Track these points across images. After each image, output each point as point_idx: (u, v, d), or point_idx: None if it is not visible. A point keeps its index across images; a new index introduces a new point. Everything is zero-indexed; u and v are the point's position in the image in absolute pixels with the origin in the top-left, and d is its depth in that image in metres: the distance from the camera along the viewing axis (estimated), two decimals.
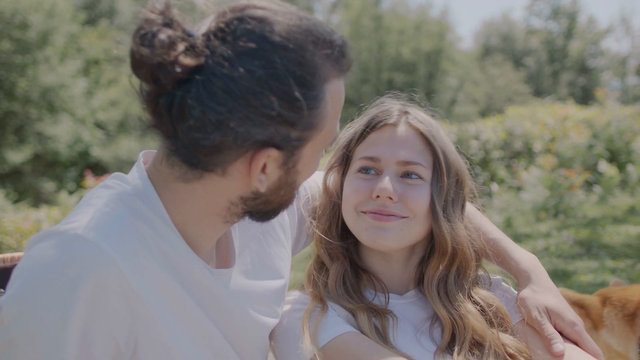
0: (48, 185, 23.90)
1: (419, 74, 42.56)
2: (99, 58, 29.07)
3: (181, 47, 1.26)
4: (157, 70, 1.26)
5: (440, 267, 1.78)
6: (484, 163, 11.32)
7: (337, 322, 1.69)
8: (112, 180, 1.47)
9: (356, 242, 1.87)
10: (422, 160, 1.75)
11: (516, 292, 1.85)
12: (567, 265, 5.48)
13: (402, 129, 1.78)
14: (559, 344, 1.66)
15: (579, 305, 2.69)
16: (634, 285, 2.57)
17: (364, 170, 1.79)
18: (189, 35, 1.29)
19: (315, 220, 1.91)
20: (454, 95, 44.51)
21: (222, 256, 1.66)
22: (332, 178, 1.90)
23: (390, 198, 1.71)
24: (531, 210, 8.78)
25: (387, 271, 1.85)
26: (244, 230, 1.73)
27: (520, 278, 1.84)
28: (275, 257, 1.80)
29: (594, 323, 2.62)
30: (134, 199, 1.41)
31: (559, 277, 5.07)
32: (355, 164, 1.81)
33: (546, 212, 8.44)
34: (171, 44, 1.26)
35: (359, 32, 42.83)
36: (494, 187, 10.66)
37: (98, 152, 26.16)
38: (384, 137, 1.78)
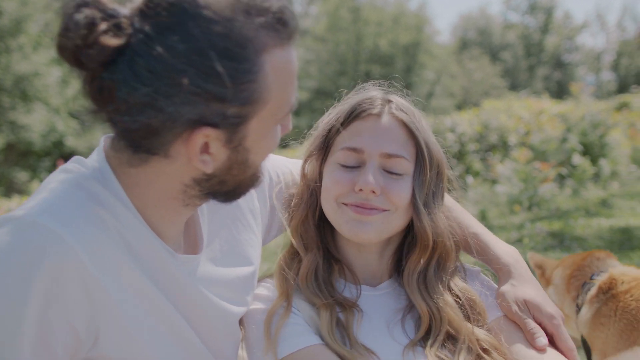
0: (21, 175, 23.54)
1: (397, 67, 42.59)
2: None
3: (102, 27, 1.20)
4: (79, 53, 1.21)
5: (422, 261, 1.76)
6: (460, 156, 11.36)
7: (299, 332, 1.65)
8: (72, 164, 1.43)
9: (332, 232, 1.84)
10: (405, 153, 1.72)
11: (495, 286, 1.84)
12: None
13: (385, 119, 1.74)
14: (542, 338, 1.66)
15: (539, 267, 2.86)
16: (592, 250, 2.71)
17: (346, 161, 1.75)
18: (111, 15, 1.22)
19: (290, 209, 1.87)
20: (431, 89, 44.65)
21: (191, 243, 1.62)
22: (311, 166, 1.86)
23: (373, 192, 1.68)
24: (505, 203, 8.84)
25: (362, 262, 1.83)
26: (213, 217, 1.69)
27: (500, 273, 1.83)
28: (245, 244, 1.77)
29: (546, 281, 2.76)
30: (93, 182, 1.37)
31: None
32: (337, 154, 1.77)
33: (520, 204, 8.49)
34: (90, 24, 1.20)
35: (337, 24, 42.79)
36: (469, 179, 10.71)
37: (72, 142, 25.81)
38: (367, 128, 1.74)
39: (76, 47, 1.21)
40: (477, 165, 11.26)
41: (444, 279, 1.78)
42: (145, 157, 1.34)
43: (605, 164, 10.23)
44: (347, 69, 42.11)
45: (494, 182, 10.39)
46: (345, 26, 42.78)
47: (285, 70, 1.35)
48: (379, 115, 1.74)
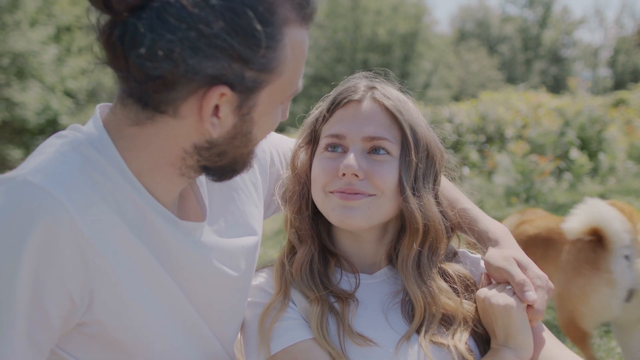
0: (15, 153, 23.44)
1: (394, 56, 42.59)
2: (71, 25, 28.49)
3: None
4: None
5: (415, 245, 1.74)
6: (457, 146, 11.39)
7: (293, 327, 1.64)
8: (67, 131, 1.42)
9: (327, 223, 1.82)
10: (388, 135, 1.70)
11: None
12: None
13: (366, 104, 1.73)
14: (532, 293, 1.60)
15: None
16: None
17: (331, 147, 1.74)
18: None
19: (285, 202, 1.87)
20: (428, 79, 44.70)
21: (192, 212, 1.61)
22: (301, 158, 1.85)
23: (356, 175, 1.66)
24: (502, 195, 8.86)
25: (358, 251, 1.82)
26: (214, 189, 1.68)
27: (489, 243, 1.79)
28: (249, 215, 1.76)
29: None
30: (88, 147, 1.36)
31: None
32: (322, 142, 1.77)
33: (517, 196, 8.52)
34: None
35: (336, 10, 42.68)
36: (466, 170, 10.74)
37: (67, 121, 25.61)
38: (348, 114, 1.73)
39: None
40: (473, 156, 11.29)
41: (437, 263, 1.77)
42: (152, 114, 1.33)
43: (603, 159, 10.27)
44: (345, 56, 42.10)
45: (490, 173, 10.41)
46: (344, 13, 42.70)
47: (300, 49, 1.38)
48: (360, 100, 1.73)
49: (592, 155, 10.62)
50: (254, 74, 1.30)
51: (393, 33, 42.84)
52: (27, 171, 1.27)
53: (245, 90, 1.32)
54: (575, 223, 3.17)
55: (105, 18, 1.27)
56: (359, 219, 1.69)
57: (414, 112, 1.77)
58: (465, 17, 60.34)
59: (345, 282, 1.78)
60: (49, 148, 1.36)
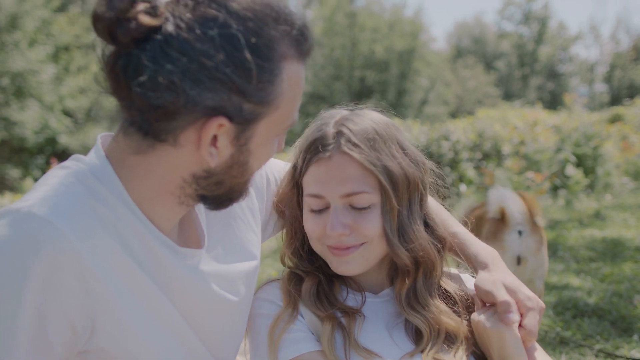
0: (13, 172, 23.43)
1: (391, 73, 42.68)
2: (69, 44, 28.57)
3: (141, 6, 1.27)
4: (115, 26, 1.26)
5: (407, 282, 1.77)
6: (454, 163, 11.40)
7: (301, 339, 1.68)
8: (70, 161, 1.45)
9: None
10: (364, 187, 1.70)
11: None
12: None
13: (336, 160, 1.71)
14: (513, 314, 1.63)
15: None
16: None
17: (314, 206, 1.77)
18: None
19: (282, 238, 1.92)
20: (425, 96, 44.77)
21: (191, 239, 1.64)
22: (289, 205, 1.89)
23: (343, 234, 1.71)
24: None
25: (362, 276, 1.85)
26: (212, 216, 1.72)
27: (478, 267, 1.83)
28: (247, 242, 1.79)
29: None
30: (90, 177, 1.39)
31: None
32: (306, 199, 1.79)
33: None
34: (131, 2, 1.27)
35: (333, 28, 42.85)
36: (463, 188, 10.76)
37: (65, 140, 25.69)
38: (322, 173, 1.73)
39: (114, 19, 1.26)
40: (470, 173, 11.31)
41: (434, 286, 1.80)
42: (153, 143, 1.37)
43: (601, 174, 10.30)
44: (342, 73, 42.18)
45: (487, 190, 10.42)
46: (341, 31, 42.86)
47: (297, 83, 1.43)
48: (330, 157, 1.72)
49: (588, 172, 10.66)
50: (252, 106, 1.34)
51: (390, 50, 42.98)
52: (30, 203, 1.30)
53: (243, 122, 1.36)
54: (491, 206, 4.22)
55: (109, 49, 1.32)
56: (356, 268, 1.76)
57: (390, 142, 1.76)
58: (462, 34, 60.61)
59: (351, 299, 1.82)
60: (52, 179, 1.39)
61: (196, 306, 1.56)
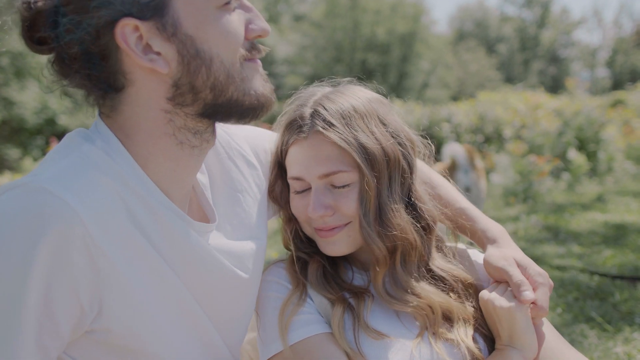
0: (12, 152, 23.40)
1: (393, 56, 42.54)
2: None
3: (40, 3, 1.35)
4: (30, 28, 1.37)
5: (381, 270, 1.74)
6: None
7: (310, 321, 1.67)
8: (76, 134, 1.45)
9: None
10: (341, 166, 1.69)
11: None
12: (534, 249, 5.55)
13: (312, 141, 1.71)
14: (529, 292, 1.61)
15: None
16: None
17: (297, 188, 1.76)
18: None
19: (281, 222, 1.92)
20: (427, 79, 44.67)
21: (198, 216, 1.62)
22: (279, 190, 1.87)
23: (325, 215, 1.70)
24: (501, 195, 8.86)
25: (363, 254, 1.83)
26: (218, 191, 1.70)
27: (487, 242, 1.81)
28: (256, 217, 1.77)
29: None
30: (97, 150, 1.38)
31: None
32: (289, 182, 1.79)
33: (515, 196, 8.52)
34: (27, 3, 1.35)
35: (335, 10, 42.62)
36: None
37: (65, 121, 25.65)
38: (299, 154, 1.73)
39: (27, 24, 1.35)
40: None
41: (413, 269, 1.76)
42: (117, 96, 1.40)
43: (602, 158, 10.28)
44: (344, 56, 42.05)
45: (488, 173, 10.42)
46: (342, 13, 42.61)
47: None
48: (306, 138, 1.71)
49: (590, 156, 10.63)
50: None
51: (392, 33, 42.78)
52: (38, 177, 1.28)
53: (151, 11, 1.32)
54: (445, 156, 6.41)
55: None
56: (344, 248, 1.75)
57: (365, 118, 1.73)
58: (464, 17, 60.37)
59: (358, 278, 1.82)
60: (58, 154, 1.38)
61: (207, 282, 1.53)
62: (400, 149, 1.76)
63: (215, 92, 1.41)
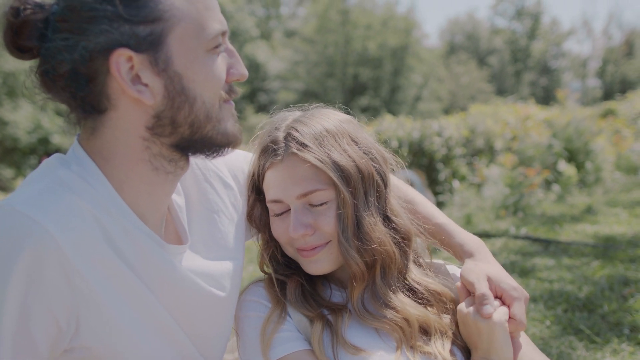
0: (6, 172, 23.37)
1: (385, 70, 42.70)
2: None
3: (28, 11, 1.36)
4: (16, 37, 1.37)
5: (360, 289, 1.78)
6: (447, 160, 11.41)
7: (290, 338, 1.71)
8: (52, 158, 1.48)
9: None
10: (318, 185, 1.73)
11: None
12: (525, 261, 5.56)
13: (287, 163, 1.75)
14: (489, 307, 1.66)
15: None
16: None
17: (276, 210, 1.80)
18: (34, 2, 1.38)
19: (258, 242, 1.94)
20: (419, 92, 44.81)
21: (174, 237, 1.65)
22: (257, 212, 1.90)
23: (305, 235, 1.73)
24: (491, 207, 8.90)
25: (341, 272, 1.87)
26: (193, 212, 1.72)
27: (464, 257, 1.86)
28: (231, 236, 1.80)
29: None
30: (71, 173, 1.41)
31: (517, 273, 5.14)
32: (268, 205, 1.82)
33: (506, 209, 8.56)
34: (16, 11, 1.36)
35: (326, 25, 42.82)
36: (456, 183, 10.78)
37: (58, 140, 25.65)
38: (276, 177, 1.77)
39: (12, 30, 1.35)
40: (463, 169, 11.33)
41: (393, 281, 1.80)
42: (99, 118, 1.42)
43: (591, 169, 10.33)
44: (336, 71, 42.17)
45: (479, 186, 10.45)
46: (334, 28, 42.81)
47: None
48: (281, 161, 1.75)
49: (580, 167, 10.68)
50: (143, 27, 1.34)
51: (383, 47, 42.96)
52: (12, 200, 1.31)
53: (148, 45, 1.36)
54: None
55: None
56: (326, 266, 1.79)
57: (337, 137, 1.78)
58: (455, 30, 60.69)
59: (336, 295, 1.85)
60: (35, 177, 1.41)
61: (183, 302, 1.56)
62: (373, 164, 1.80)
63: (193, 128, 1.47)
